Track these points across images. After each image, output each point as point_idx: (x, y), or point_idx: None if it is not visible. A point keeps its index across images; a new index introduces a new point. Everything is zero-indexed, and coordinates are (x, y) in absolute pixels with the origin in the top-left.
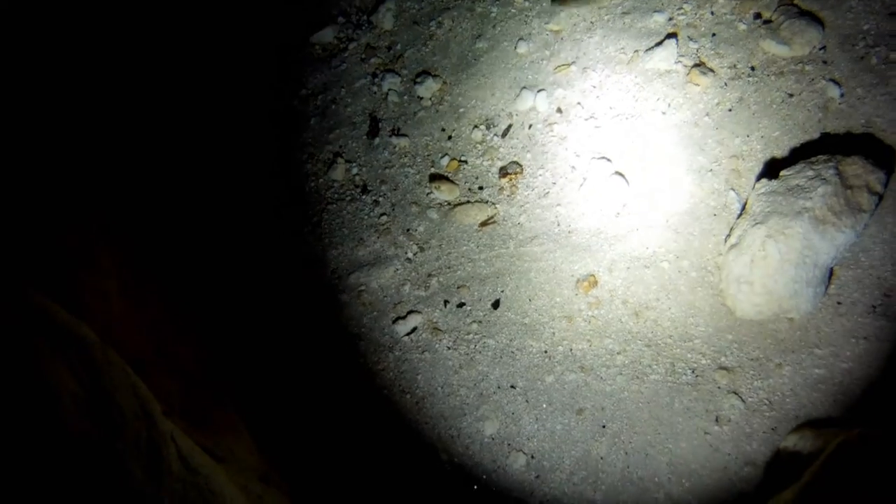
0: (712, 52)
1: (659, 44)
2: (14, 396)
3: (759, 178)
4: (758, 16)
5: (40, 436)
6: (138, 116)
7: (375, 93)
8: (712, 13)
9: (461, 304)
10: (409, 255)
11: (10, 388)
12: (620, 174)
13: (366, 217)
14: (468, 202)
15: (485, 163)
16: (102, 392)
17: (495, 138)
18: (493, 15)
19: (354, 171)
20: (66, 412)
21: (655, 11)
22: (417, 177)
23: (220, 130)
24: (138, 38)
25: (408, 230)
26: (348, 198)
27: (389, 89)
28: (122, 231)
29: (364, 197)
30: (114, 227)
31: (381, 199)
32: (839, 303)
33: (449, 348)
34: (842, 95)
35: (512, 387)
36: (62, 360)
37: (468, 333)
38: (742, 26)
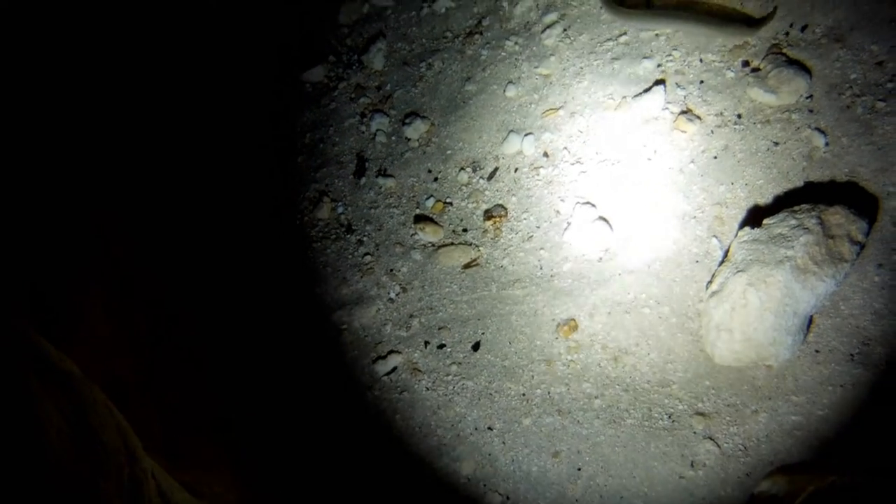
0: (699, 99)
1: (647, 90)
2: (3, 432)
3: (742, 226)
4: (746, 64)
5: (27, 471)
6: (126, 143)
7: (364, 132)
8: (701, 60)
9: (441, 346)
10: (392, 295)
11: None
12: (604, 219)
13: (350, 256)
14: (452, 244)
15: (470, 205)
16: (88, 429)
17: (481, 181)
18: (483, 58)
19: (340, 210)
20: (52, 448)
21: (645, 58)
22: (402, 217)
23: (206, 164)
24: (130, 69)
25: (391, 270)
26: (333, 236)
27: (378, 129)
28: (108, 252)
29: (349, 236)
30: (101, 250)
31: (365, 238)
32: (817, 351)
33: (428, 389)
34: (826, 144)
35: (489, 428)
36: (50, 397)
37: (447, 375)
38: (730, 74)
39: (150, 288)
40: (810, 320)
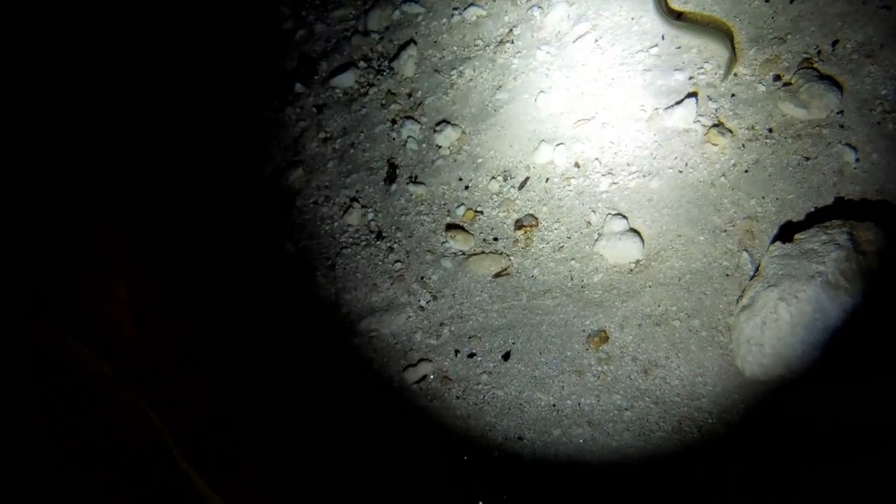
0: (731, 112)
1: (678, 102)
2: (46, 437)
3: (773, 241)
4: (777, 78)
5: (70, 477)
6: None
7: (394, 139)
8: (733, 74)
9: (472, 355)
10: (422, 303)
11: (43, 429)
12: (635, 231)
13: (380, 263)
14: (483, 253)
15: (500, 214)
16: (126, 433)
17: (512, 190)
18: (514, 66)
19: (370, 216)
20: (91, 454)
21: (676, 70)
22: (433, 225)
23: (235, 170)
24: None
25: (422, 278)
26: (363, 243)
27: (408, 136)
28: (134, 257)
29: (379, 243)
30: (126, 254)
31: (395, 245)
32: (848, 366)
33: (458, 398)
34: (857, 160)
35: (519, 438)
36: (89, 401)
37: (478, 384)
38: (761, 88)
39: (177, 288)
40: (840, 335)
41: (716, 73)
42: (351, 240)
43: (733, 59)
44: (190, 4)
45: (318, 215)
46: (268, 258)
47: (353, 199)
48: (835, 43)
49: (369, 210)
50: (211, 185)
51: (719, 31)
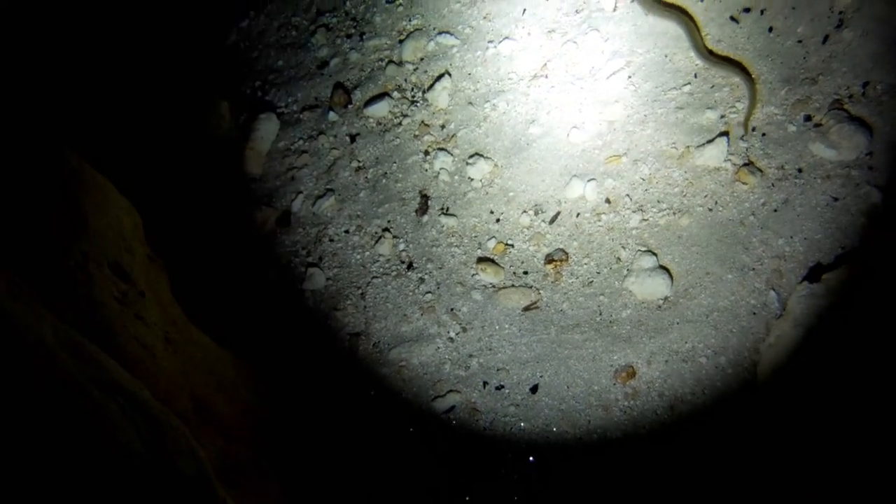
0: (761, 151)
1: (710, 141)
2: (91, 458)
3: (801, 280)
4: (808, 118)
5: (114, 499)
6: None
7: (427, 170)
8: (764, 113)
9: (500, 387)
10: (452, 334)
11: (88, 450)
12: (665, 268)
13: (410, 294)
14: (513, 286)
15: (531, 248)
16: (165, 455)
17: (543, 224)
18: (547, 101)
19: (402, 247)
20: (134, 475)
21: (708, 108)
22: (464, 257)
23: (267, 197)
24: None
25: (451, 309)
26: (394, 273)
27: (441, 168)
28: (163, 282)
29: (410, 273)
30: (157, 280)
31: (426, 276)
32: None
33: (485, 429)
34: (884, 201)
35: (545, 470)
36: (130, 424)
37: (505, 416)
38: (792, 128)
39: (207, 312)
40: None
41: (746, 114)
42: (382, 270)
43: (754, 103)
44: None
45: (350, 244)
46: (298, 285)
47: (385, 230)
48: (865, 84)
49: (400, 241)
50: (242, 213)
51: (745, 74)
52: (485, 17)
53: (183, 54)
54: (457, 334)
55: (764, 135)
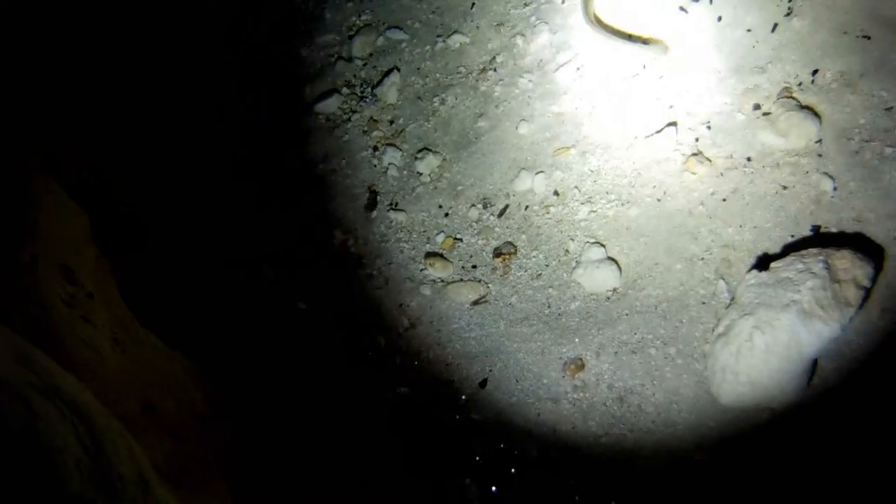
0: (710, 141)
1: (658, 131)
2: (23, 461)
3: (749, 269)
4: (757, 107)
5: (46, 501)
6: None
7: (376, 166)
8: (712, 103)
9: (449, 381)
10: (401, 330)
11: (20, 453)
12: (613, 259)
13: (360, 290)
14: (461, 280)
15: (479, 242)
16: (104, 457)
17: (491, 218)
18: (496, 94)
19: (350, 242)
20: (70, 478)
21: (656, 98)
22: (413, 252)
23: (215, 192)
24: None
25: (400, 305)
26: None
27: (390, 163)
28: (111, 283)
29: (359, 270)
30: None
31: (375, 272)
32: (821, 394)
33: (435, 422)
34: (835, 189)
35: (494, 465)
36: (69, 427)
37: (455, 411)
38: (741, 117)
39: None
40: (815, 364)
41: (696, 103)
42: (331, 266)
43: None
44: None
45: (298, 241)
46: (248, 283)
47: (334, 226)
48: (815, 72)
49: (350, 236)
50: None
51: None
52: (434, 12)
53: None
54: (405, 330)
55: (712, 124)
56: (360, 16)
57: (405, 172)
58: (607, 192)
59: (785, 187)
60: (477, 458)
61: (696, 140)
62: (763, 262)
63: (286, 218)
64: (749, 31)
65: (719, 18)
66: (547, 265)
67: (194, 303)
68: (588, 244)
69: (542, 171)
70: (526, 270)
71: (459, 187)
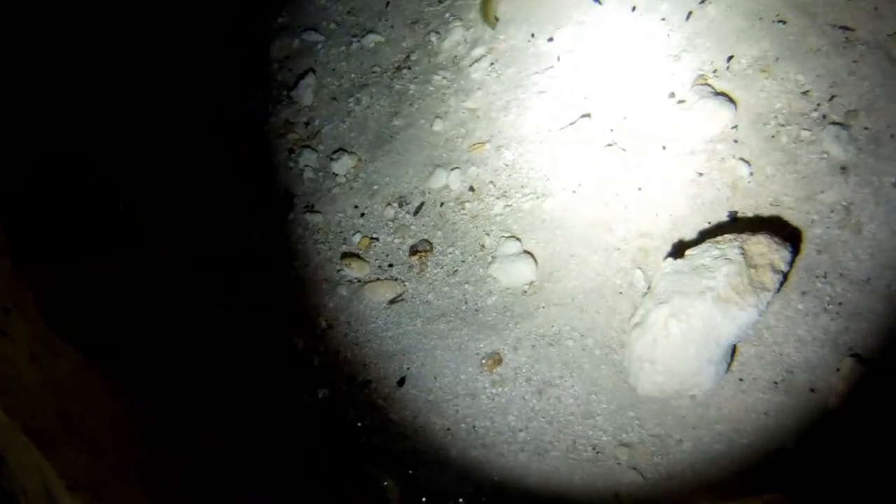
0: (624, 131)
1: (572, 123)
2: None
3: (665, 257)
4: (672, 95)
5: None
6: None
7: (292, 168)
8: (627, 93)
9: (367, 381)
10: (318, 331)
11: None
12: (529, 253)
13: (277, 293)
14: (378, 279)
15: (396, 240)
16: (7, 471)
17: (407, 216)
18: (410, 92)
19: (267, 246)
20: None
21: (570, 91)
22: (329, 253)
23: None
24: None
25: (317, 306)
26: None
27: (306, 165)
28: (28, 296)
29: (276, 273)
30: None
31: (292, 275)
32: (741, 379)
33: (354, 422)
34: (751, 174)
35: (414, 463)
36: None
37: (373, 409)
38: (655, 106)
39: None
40: (734, 349)
41: (610, 92)
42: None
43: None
44: None
45: (214, 245)
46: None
47: (251, 229)
48: (730, 58)
49: (266, 239)
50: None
51: None
52: (349, 12)
53: None
54: (323, 331)
55: (627, 113)
56: (276, 19)
57: (321, 174)
58: (522, 186)
59: (701, 174)
60: (396, 459)
61: (611, 130)
62: (679, 250)
63: (208, 223)
64: (663, 19)
65: (633, 9)
66: (463, 261)
67: (115, 313)
68: (503, 238)
69: (457, 168)
70: (442, 267)
71: (375, 187)
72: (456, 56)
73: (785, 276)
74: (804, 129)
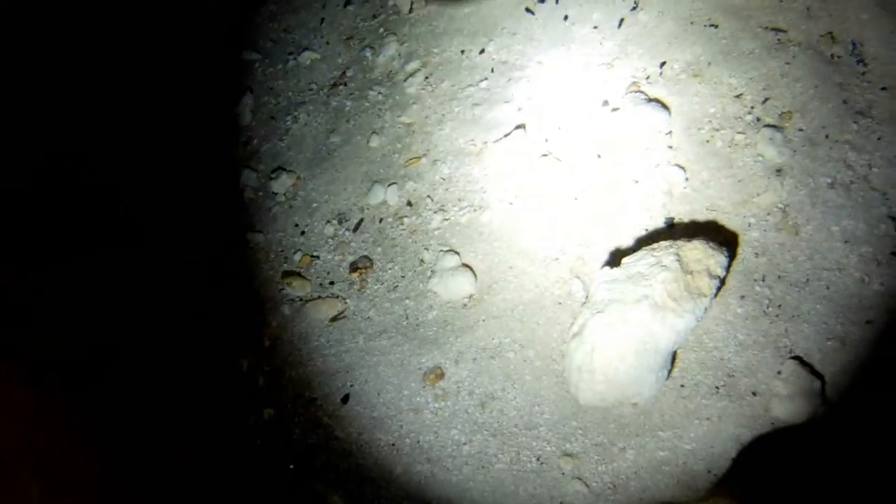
0: (559, 141)
1: (507, 135)
2: None
3: (602, 266)
4: (605, 103)
5: None
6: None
7: (233, 188)
8: (561, 102)
9: (312, 399)
10: (262, 350)
11: None
12: (468, 266)
13: (219, 314)
14: (319, 297)
15: (336, 258)
16: None
17: (347, 233)
18: (347, 109)
19: (209, 268)
20: None
21: (505, 102)
22: (271, 272)
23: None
24: None
25: (261, 326)
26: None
27: (245, 185)
28: None
29: (218, 293)
30: None
31: (235, 295)
32: (682, 385)
33: (299, 441)
34: (686, 180)
35: (360, 480)
36: None
37: (318, 427)
38: (589, 115)
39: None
40: (674, 356)
41: (544, 104)
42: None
43: None
44: None
45: (152, 271)
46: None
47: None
48: (662, 64)
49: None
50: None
51: None
52: (285, 30)
53: None
54: (266, 351)
55: (562, 124)
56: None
57: (260, 193)
58: (459, 200)
59: (636, 181)
60: (342, 477)
61: (546, 141)
62: (616, 258)
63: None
64: (596, 27)
65: (566, 17)
66: (403, 276)
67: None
68: (442, 252)
69: (394, 183)
70: (382, 283)
71: (314, 204)
72: (391, 71)
73: (722, 280)
74: (738, 133)
